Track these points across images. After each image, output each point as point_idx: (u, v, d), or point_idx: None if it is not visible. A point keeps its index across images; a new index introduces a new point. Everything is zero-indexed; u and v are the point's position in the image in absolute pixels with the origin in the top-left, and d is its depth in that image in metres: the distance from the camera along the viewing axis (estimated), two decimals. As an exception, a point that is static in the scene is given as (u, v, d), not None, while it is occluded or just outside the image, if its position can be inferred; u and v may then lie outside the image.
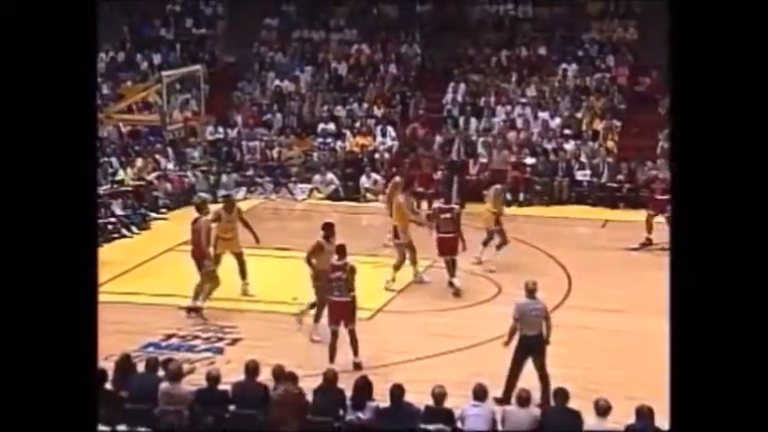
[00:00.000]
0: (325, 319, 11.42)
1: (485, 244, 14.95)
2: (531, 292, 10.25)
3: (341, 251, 11.28)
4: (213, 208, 14.23)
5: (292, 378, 8.71)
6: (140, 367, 9.43)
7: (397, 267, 13.97)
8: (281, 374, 8.76)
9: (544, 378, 9.82)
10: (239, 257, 13.58)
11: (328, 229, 12.16)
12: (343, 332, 11.04)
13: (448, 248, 13.64)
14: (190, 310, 12.76)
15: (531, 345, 9.98)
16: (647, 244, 15.97)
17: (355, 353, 11.00)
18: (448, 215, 13.75)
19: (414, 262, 14.13)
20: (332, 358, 10.79)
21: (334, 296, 11.08)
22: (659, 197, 16.14)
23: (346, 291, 11.02)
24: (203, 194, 19.48)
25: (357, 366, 10.77)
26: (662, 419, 8.01)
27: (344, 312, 11.02)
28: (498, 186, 15.62)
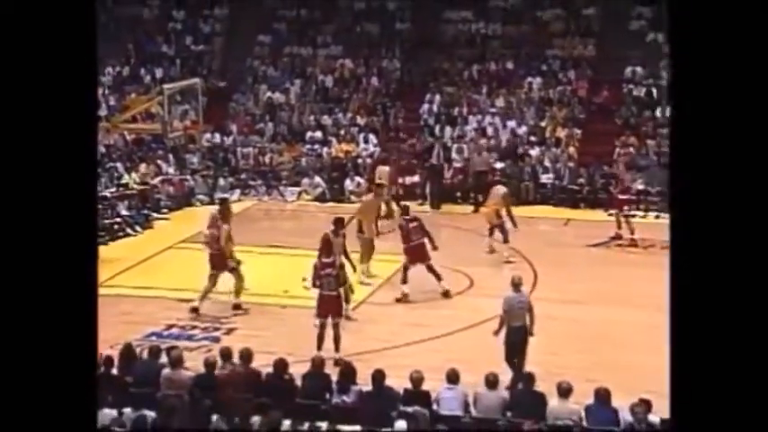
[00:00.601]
0: None
1: (490, 234, 15.17)
2: (516, 286, 10.21)
3: (329, 249, 11.17)
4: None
5: (243, 358, 8.68)
6: (144, 355, 9.38)
7: (364, 261, 13.80)
8: (227, 355, 8.83)
9: (521, 365, 9.77)
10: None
11: (338, 223, 12.12)
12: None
13: (418, 256, 13.11)
14: (235, 306, 12.60)
15: (516, 335, 9.94)
16: (617, 238, 16.03)
17: (336, 348, 10.72)
18: (415, 224, 13.28)
19: (367, 259, 13.83)
20: (319, 347, 10.73)
21: (324, 291, 10.98)
22: (621, 197, 16.26)
23: (336, 286, 10.95)
24: (201, 197, 19.53)
25: (337, 363, 10.01)
26: (618, 400, 8.08)
27: (333, 306, 10.93)
28: (505, 189, 15.65)
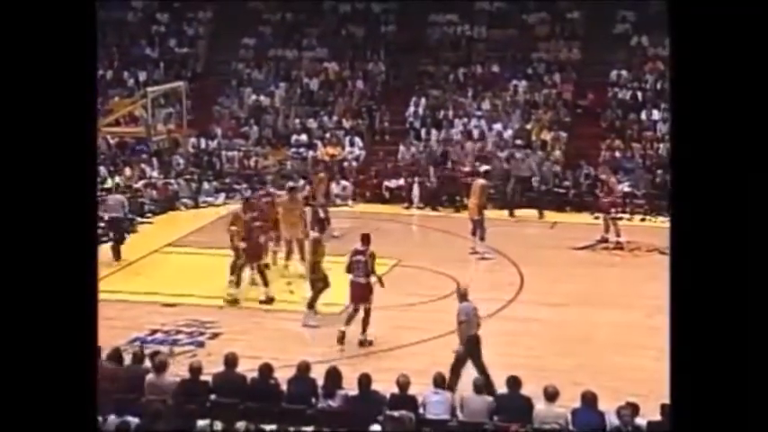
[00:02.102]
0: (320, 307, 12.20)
1: (473, 234, 15.24)
2: (464, 295, 10.24)
3: (365, 239, 11.60)
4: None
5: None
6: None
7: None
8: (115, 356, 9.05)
9: (485, 371, 9.65)
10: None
11: (320, 223, 13.07)
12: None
13: (255, 256, 13.16)
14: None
15: (474, 343, 9.96)
16: (604, 241, 16.11)
17: (363, 330, 11.33)
18: (259, 224, 13.26)
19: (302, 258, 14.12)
20: (348, 322, 11.37)
21: (354, 277, 11.40)
22: (607, 199, 16.35)
23: (364, 274, 11.32)
24: (186, 200, 19.45)
25: (362, 343, 11.28)
26: (604, 404, 8.09)
27: (362, 292, 11.32)
28: (483, 181, 15.79)
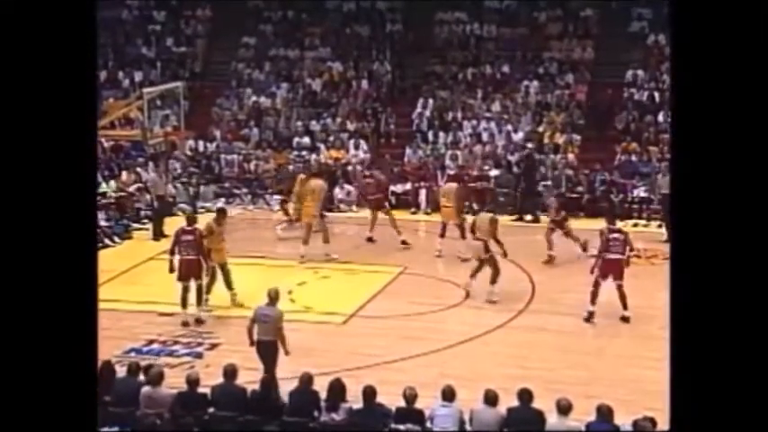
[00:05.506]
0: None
1: (441, 236, 15.61)
2: (271, 299, 10.27)
3: (611, 220, 13.17)
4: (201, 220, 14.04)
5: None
6: (123, 372, 9.32)
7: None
8: None
9: (274, 378, 9.43)
10: (224, 267, 13.32)
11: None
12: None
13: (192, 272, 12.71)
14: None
15: (264, 349, 10.01)
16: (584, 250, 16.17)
17: (624, 306, 12.61)
18: (190, 237, 12.73)
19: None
20: (593, 300, 12.64)
21: (611, 254, 12.66)
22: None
23: (621, 251, 12.70)
24: (183, 206, 19.47)
25: (624, 319, 12.60)
26: (620, 417, 8.08)
27: (617, 268, 12.63)
28: (455, 185, 16.15)
